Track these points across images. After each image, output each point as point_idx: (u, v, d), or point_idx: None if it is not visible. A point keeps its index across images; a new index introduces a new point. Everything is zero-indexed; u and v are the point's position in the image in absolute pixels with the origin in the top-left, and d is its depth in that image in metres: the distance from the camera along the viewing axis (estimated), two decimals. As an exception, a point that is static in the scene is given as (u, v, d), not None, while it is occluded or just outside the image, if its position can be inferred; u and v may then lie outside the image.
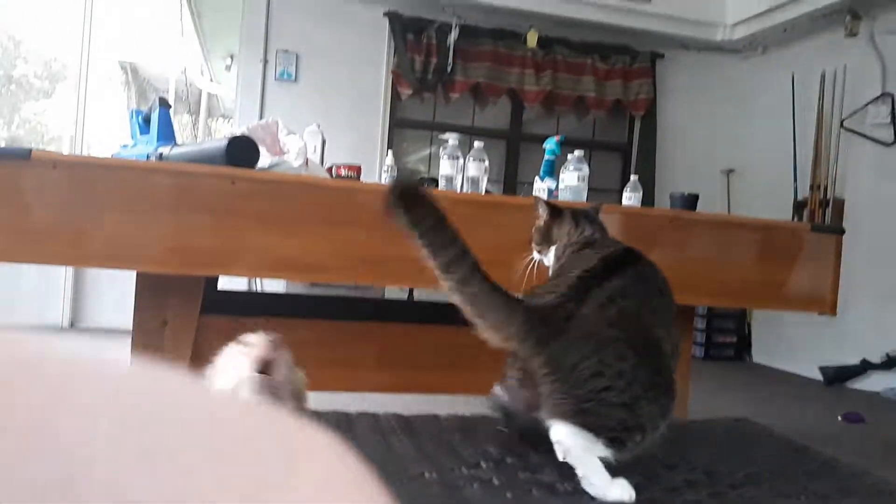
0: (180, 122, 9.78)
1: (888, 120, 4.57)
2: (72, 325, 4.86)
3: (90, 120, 5.37)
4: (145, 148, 2.14)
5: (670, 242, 1.96)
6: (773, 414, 3.39)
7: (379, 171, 2.81)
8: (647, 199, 5.27)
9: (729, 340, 5.48)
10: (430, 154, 5.57)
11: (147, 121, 2.27)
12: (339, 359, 1.95)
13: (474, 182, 2.29)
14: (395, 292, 3.43)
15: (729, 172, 5.79)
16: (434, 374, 2.09)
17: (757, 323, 5.50)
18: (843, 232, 2.18)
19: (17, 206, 1.47)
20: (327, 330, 1.93)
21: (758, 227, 2.22)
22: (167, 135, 2.17)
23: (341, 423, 0.99)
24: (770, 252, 2.12)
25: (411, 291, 2.61)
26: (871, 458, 2.84)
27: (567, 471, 0.87)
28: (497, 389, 1.03)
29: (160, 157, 1.97)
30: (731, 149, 5.80)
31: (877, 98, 4.65)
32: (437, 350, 2.07)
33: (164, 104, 2.24)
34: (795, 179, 5.15)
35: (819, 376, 4.57)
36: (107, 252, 1.48)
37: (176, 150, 1.97)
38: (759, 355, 5.44)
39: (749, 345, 5.53)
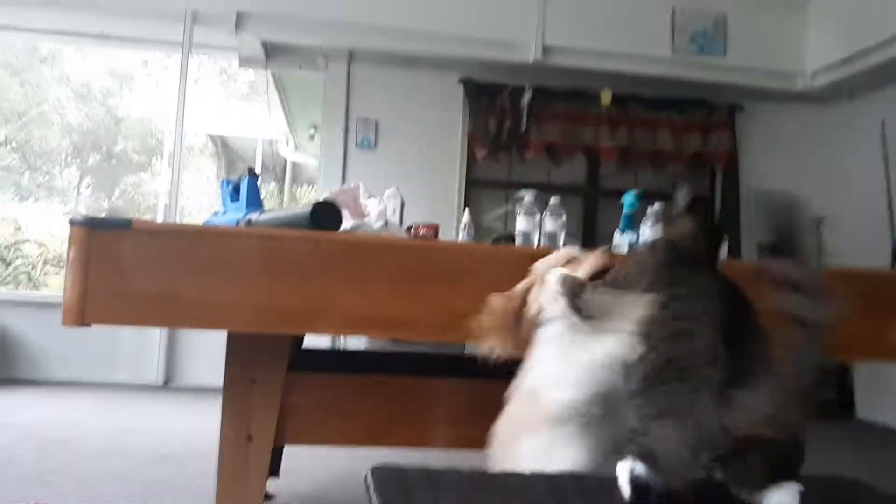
0: (267, 190, 10.21)
1: None
2: (165, 384, 5.06)
3: (184, 189, 5.69)
4: (235, 215, 2.25)
5: (758, 295, 1.89)
6: (887, 476, 3.16)
7: (456, 229, 2.85)
8: (734, 251, 5.12)
9: (831, 396, 5.18)
10: (507, 212, 5.61)
11: (237, 190, 2.39)
12: (421, 415, 1.95)
13: (551, 237, 2.29)
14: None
15: (819, 222, 5.57)
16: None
17: (860, 377, 5.19)
18: (947, 280, 2.06)
19: (117, 272, 1.56)
20: (409, 386, 1.95)
21: (855, 276, 2.12)
22: (255, 202, 2.27)
23: (427, 481, 0.98)
24: (870, 301, 2.01)
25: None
26: None
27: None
28: (633, 468, 0.94)
29: (249, 223, 2.06)
30: (819, 198, 5.57)
31: (976, 140, 4.42)
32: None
33: (252, 174, 2.36)
34: (893, 227, 4.91)
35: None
36: (199, 313, 1.55)
37: (263, 217, 2.05)
38: (864, 411, 5.12)
39: (853, 400, 5.21)
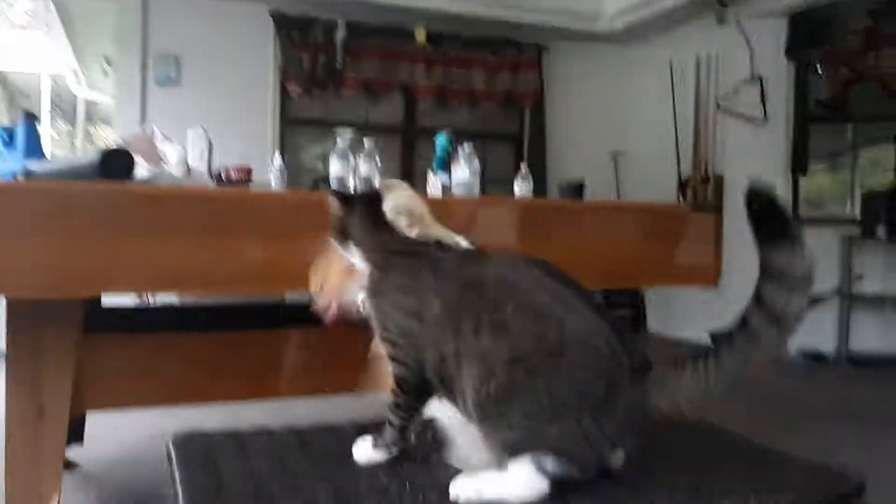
0: (57, 131, 9.24)
1: (758, 99, 4.87)
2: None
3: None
4: (12, 165, 2.01)
5: (559, 232, 2.01)
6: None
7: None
8: (540, 188, 5.39)
9: (625, 314, 5.72)
10: (326, 152, 5.50)
11: (13, 136, 2.13)
12: (235, 369, 1.90)
13: (367, 181, 2.27)
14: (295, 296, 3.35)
15: (616, 156, 5.99)
16: (338, 374, 2.07)
17: (651, 296, 5.76)
18: (719, 209, 2.31)
19: None
20: (214, 341, 1.88)
21: (642, 210, 2.31)
22: (35, 149, 2.04)
23: (234, 446, 0.96)
24: (655, 233, 2.20)
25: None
26: (758, 414, 3.04)
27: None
28: None
29: (28, 174, 1.85)
30: (617, 134, 6.01)
31: (747, 80, 4.93)
32: (342, 350, 2.05)
33: (30, 118, 2.11)
34: (679, 160, 5.40)
35: (709, 341, 4.85)
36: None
37: (44, 167, 1.85)
38: (653, 325, 5.71)
39: (644, 316, 5.80)
